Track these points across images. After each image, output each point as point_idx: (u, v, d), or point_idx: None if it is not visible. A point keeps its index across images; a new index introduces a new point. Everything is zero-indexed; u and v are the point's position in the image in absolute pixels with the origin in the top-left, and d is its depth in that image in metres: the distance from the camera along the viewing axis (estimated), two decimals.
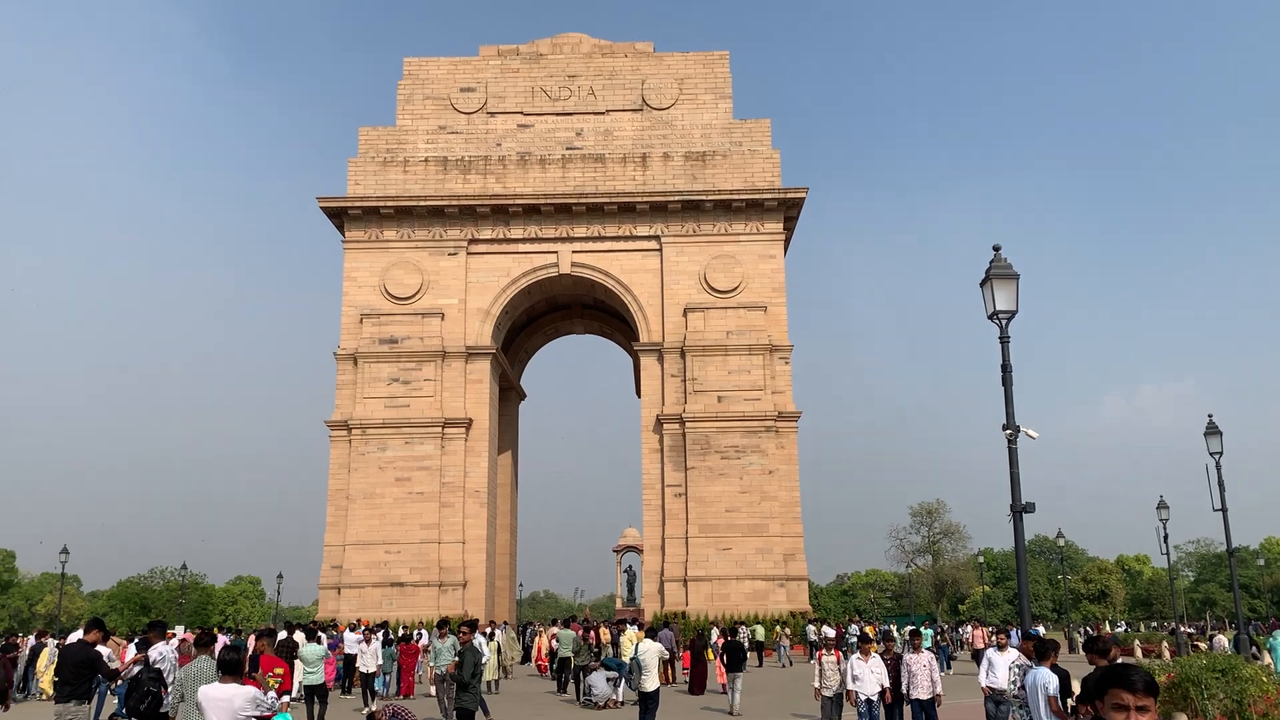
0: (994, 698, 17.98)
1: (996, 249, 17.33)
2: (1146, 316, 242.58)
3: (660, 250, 56.65)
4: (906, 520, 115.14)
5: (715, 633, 37.81)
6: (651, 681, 21.63)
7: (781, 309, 55.97)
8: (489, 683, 32.23)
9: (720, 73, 59.89)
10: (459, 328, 55.69)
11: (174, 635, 25.41)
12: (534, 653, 44.18)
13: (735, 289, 55.77)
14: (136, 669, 16.89)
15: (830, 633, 45.51)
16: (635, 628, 36.35)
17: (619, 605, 74.86)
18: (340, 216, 56.71)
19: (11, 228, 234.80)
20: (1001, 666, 18.11)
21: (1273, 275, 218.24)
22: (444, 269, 56.29)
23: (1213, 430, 31.48)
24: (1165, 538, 47.30)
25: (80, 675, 15.18)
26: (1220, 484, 31.47)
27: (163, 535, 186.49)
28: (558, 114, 59.02)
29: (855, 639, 48.58)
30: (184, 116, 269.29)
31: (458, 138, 58.61)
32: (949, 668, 41.02)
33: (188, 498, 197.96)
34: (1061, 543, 78.94)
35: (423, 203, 55.93)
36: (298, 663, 23.92)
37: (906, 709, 18.66)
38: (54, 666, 28.81)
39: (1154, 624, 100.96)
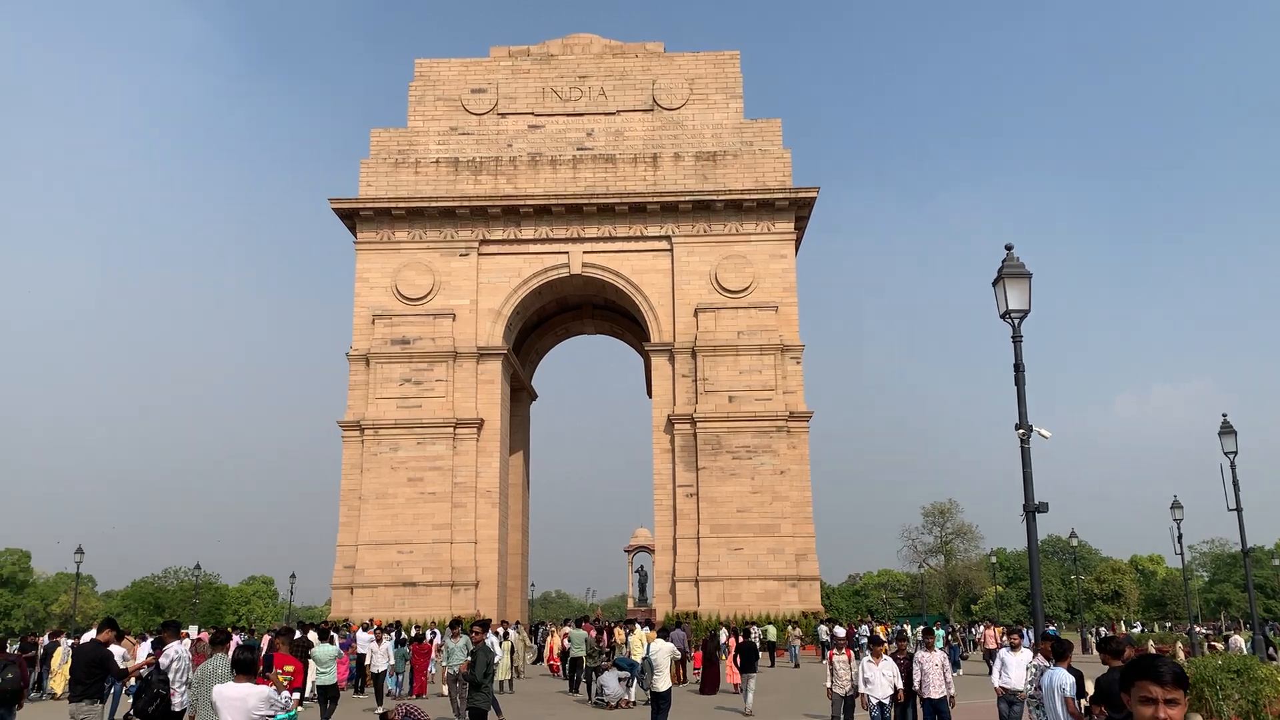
0: (1007, 698, 17.92)
1: (1009, 248, 17.26)
2: (1160, 315, 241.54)
3: (671, 250, 56.65)
4: (919, 520, 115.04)
5: (724, 633, 37.74)
6: (663, 681, 21.66)
7: (793, 309, 55.90)
8: (501, 682, 32.33)
9: (731, 73, 59.87)
10: (470, 328, 55.81)
11: (187, 635, 25.55)
12: (546, 652, 44.24)
13: (746, 289, 55.73)
14: (147, 670, 17.01)
15: (841, 632, 45.47)
16: (647, 628, 36.39)
17: (630, 605, 74.90)
18: (352, 218, 56.92)
19: (23, 228, 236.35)
20: (1014, 666, 18.06)
21: None
22: (455, 270, 56.42)
23: (1227, 430, 31.31)
24: (1179, 538, 47.09)
25: (92, 674, 15.28)
26: (1235, 484, 31.29)
27: (176, 536, 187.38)
28: (568, 114, 59.09)
29: (866, 639, 48.64)
30: (196, 118, 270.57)
31: (469, 139, 58.73)
32: (958, 668, 40.90)
33: (201, 498, 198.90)
34: (1075, 543, 78.69)
35: (434, 204, 56.07)
36: (310, 663, 24.01)
37: (919, 709, 18.59)
38: (67, 666, 29.05)
39: (1168, 624, 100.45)
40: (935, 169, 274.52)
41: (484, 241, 56.85)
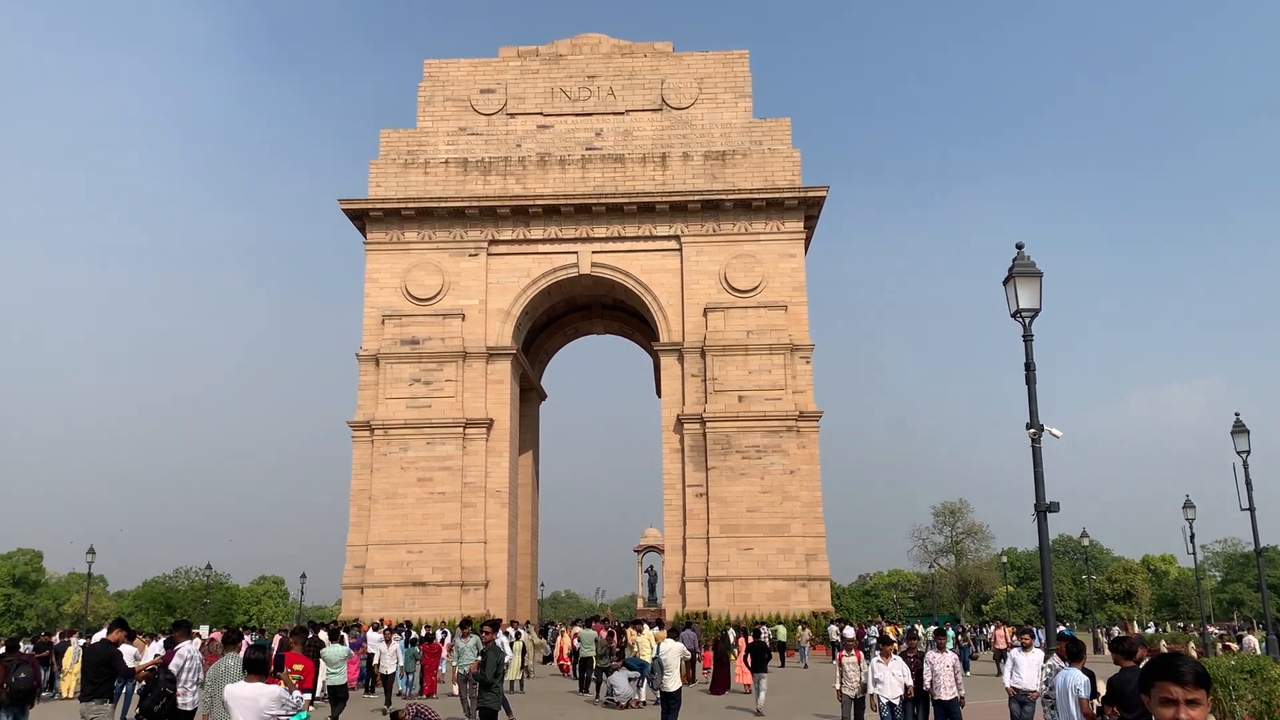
0: (1019, 698, 17.86)
1: (1019, 246, 17.21)
2: (1172, 314, 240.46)
3: (680, 250, 56.61)
4: (929, 520, 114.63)
5: (733, 633, 37.70)
6: (673, 681, 21.61)
7: (802, 308, 55.81)
8: (512, 682, 32.36)
9: (740, 72, 59.79)
10: (479, 328, 55.86)
11: (198, 635, 25.62)
12: (556, 652, 44.25)
13: (755, 288, 55.66)
14: (154, 669, 17.07)
15: (851, 633, 45.33)
16: (657, 628, 36.36)
17: (640, 605, 74.85)
18: (362, 218, 57.04)
19: (31, 228, 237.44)
20: (1026, 667, 17.99)
21: None
22: (464, 270, 56.48)
23: (1240, 429, 31.13)
24: (1192, 537, 46.87)
25: (101, 674, 15.34)
26: (1248, 483, 31.12)
27: (188, 536, 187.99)
28: (577, 114, 59.10)
29: (875, 640, 48.49)
30: (205, 118, 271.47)
31: (478, 139, 58.79)
32: (968, 668, 40.78)
33: (212, 498, 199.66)
34: (1086, 542, 78.28)
35: (443, 204, 56.15)
36: (321, 663, 24.05)
37: (930, 710, 18.49)
38: (78, 666, 29.16)
39: (1179, 624, 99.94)
40: (945, 167, 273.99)
41: (493, 242, 56.90)
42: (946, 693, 17.79)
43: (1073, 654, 13.05)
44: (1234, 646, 39.74)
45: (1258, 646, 38.08)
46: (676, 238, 56.62)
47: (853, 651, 19.91)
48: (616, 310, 65.88)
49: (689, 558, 52.90)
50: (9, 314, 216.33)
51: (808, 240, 58.17)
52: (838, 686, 19.49)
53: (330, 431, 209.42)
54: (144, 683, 15.80)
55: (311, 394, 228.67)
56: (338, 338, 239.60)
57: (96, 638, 20.90)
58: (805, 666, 44.00)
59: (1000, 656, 38.16)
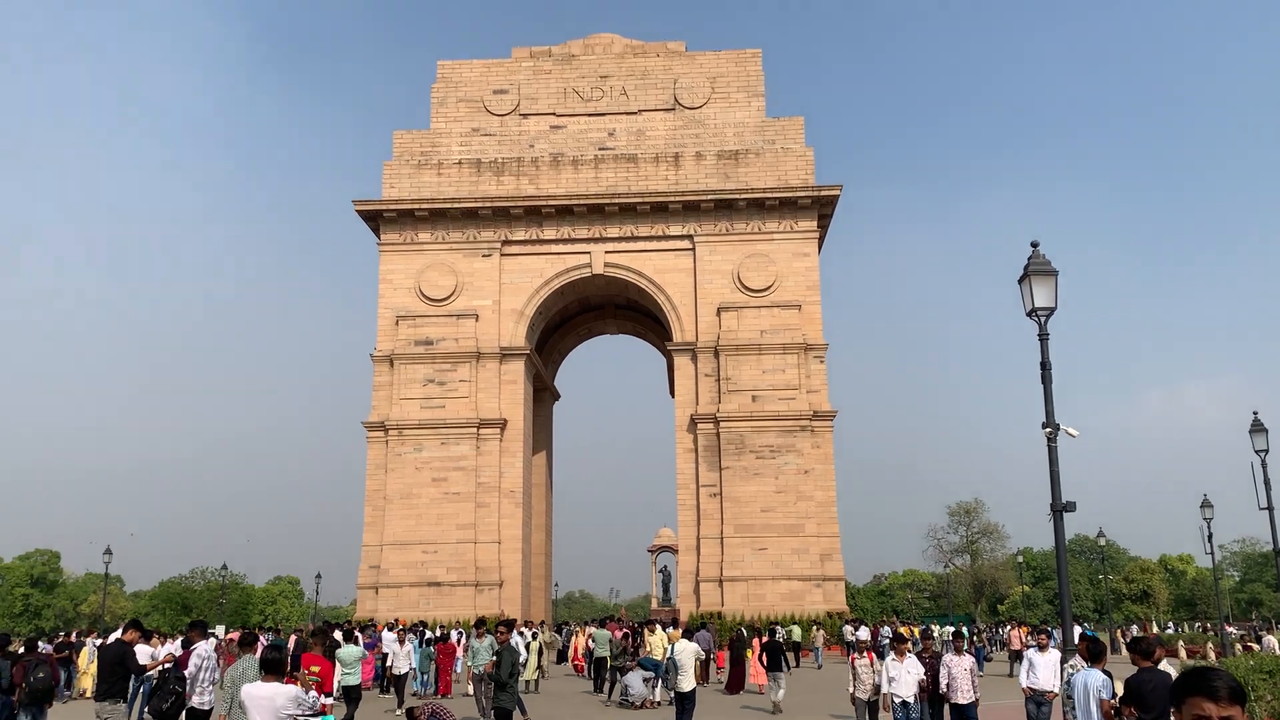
0: (1035, 698, 17.76)
1: (1035, 245, 17.13)
2: (1191, 311, 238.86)
3: (693, 249, 56.57)
4: (944, 520, 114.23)
5: (744, 634, 37.65)
6: (688, 682, 21.60)
7: (816, 307, 55.69)
8: (527, 682, 32.40)
9: (753, 71, 59.69)
10: (493, 329, 55.96)
11: (214, 635, 25.76)
12: (571, 653, 44.27)
13: (769, 288, 55.56)
14: (165, 668, 17.18)
15: (865, 634, 45.16)
16: (672, 628, 36.34)
17: (654, 605, 74.93)
18: (376, 219, 57.22)
19: (44, 230, 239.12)
20: (1042, 667, 17.89)
21: None
22: (478, 270, 56.59)
23: (1258, 427, 30.88)
24: (1210, 537, 46.48)
25: (114, 672, 15.44)
26: (1266, 482, 30.85)
27: (204, 536, 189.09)
28: (590, 114, 59.12)
29: (888, 640, 48.31)
30: (219, 120, 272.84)
31: (491, 139, 58.89)
32: (982, 669, 40.64)
33: (228, 499, 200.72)
34: (1103, 542, 77.85)
35: (456, 205, 56.27)
36: (335, 664, 24.13)
37: (946, 711, 18.21)
38: (94, 665, 29.33)
39: (1197, 625, 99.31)
40: (959, 165, 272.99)
41: (506, 242, 56.98)
42: (964, 696, 17.53)
43: (1093, 654, 12.98)
44: (1255, 647, 39.47)
45: (1277, 647, 37.77)
46: (690, 237, 56.58)
47: (865, 653, 19.66)
48: (630, 310, 65.90)
49: (703, 558, 52.85)
50: (25, 315, 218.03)
51: (821, 239, 58.04)
52: (851, 690, 19.24)
53: (345, 432, 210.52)
54: (153, 681, 15.90)
55: (327, 395, 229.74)
56: (353, 339, 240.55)
57: (112, 638, 21.04)
58: (819, 667, 43.92)
59: (1015, 657, 38.04)
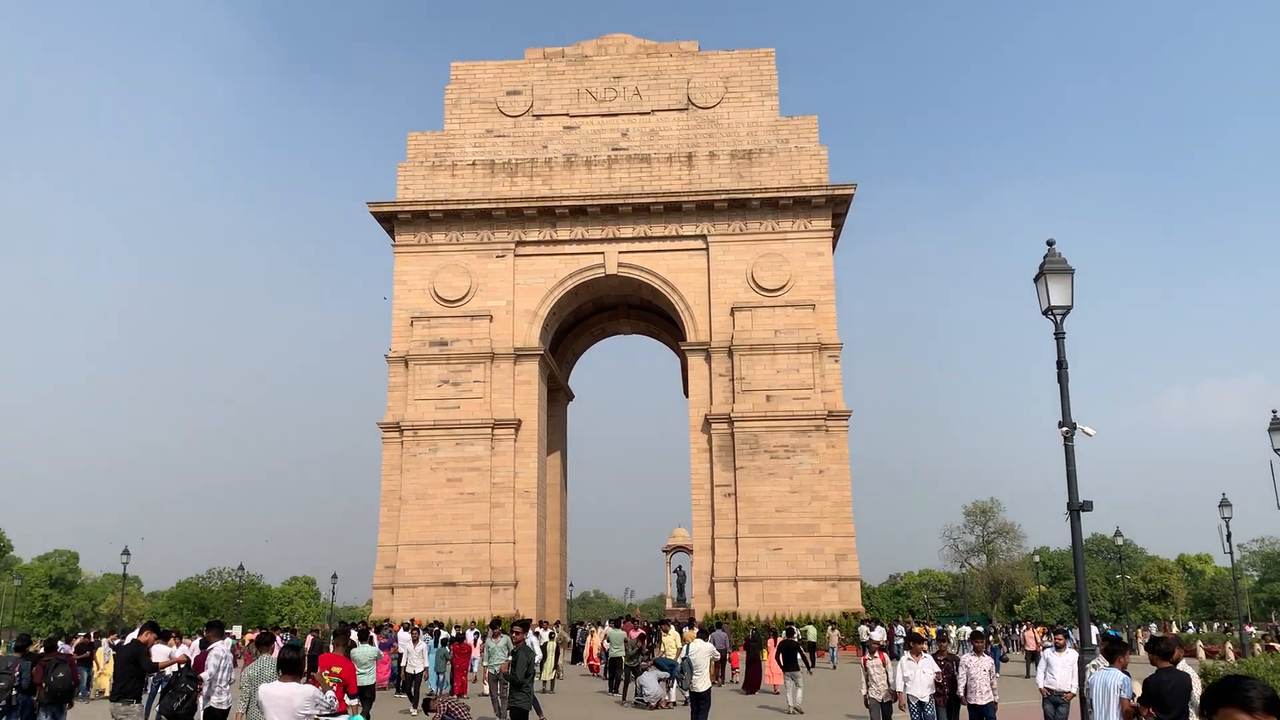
0: (1052, 699, 17.66)
1: (1051, 243, 17.06)
2: (1210, 310, 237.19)
3: (707, 249, 56.53)
4: (960, 519, 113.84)
5: (750, 634, 37.63)
6: (703, 682, 21.59)
7: (830, 307, 55.56)
8: (546, 682, 32.45)
9: (766, 70, 59.61)
10: (507, 329, 56.07)
11: (231, 635, 25.88)
12: (586, 653, 44.30)
13: (783, 287, 55.47)
14: (176, 668, 17.28)
15: (878, 635, 45.00)
16: (688, 628, 36.32)
17: (669, 605, 74.91)
18: (390, 221, 57.41)
19: (57, 233, 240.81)
20: (1059, 667, 17.79)
21: None
22: (492, 271, 56.72)
23: (1277, 426, 30.64)
24: (1229, 536, 46.12)
25: (129, 672, 15.55)
26: None
27: (220, 537, 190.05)
28: (603, 115, 59.16)
29: (902, 639, 48.07)
30: (231, 123, 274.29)
31: (504, 141, 58.99)
32: (998, 669, 40.45)
33: (244, 500, 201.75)
34: (1120, 541, 77.48)
35: (471, 206, 56.41)
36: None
37: (963, 712, 17.96)
38: (109, 665, 29.49)
39: (1215, 624, 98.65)
40: (974, 163, 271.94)
41: (520, 243, 57.08)
42: (982, 697, 17.28)
43: (1109, 653, 12.93)
44: (1276, 647, 39.12)
45: None
46: (703, 237, 56.55)
47: (877, 654, 19.50)
48: (643, 310, 65.91)
49: (718, 558, 52.81)
50: (44, 318, 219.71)
51: (835, 238, 57.91)
52: (864, 691, 19.07)
53: (361, 433, 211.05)
54: (165, 681, 15.98)
55: (343, 396, 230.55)
56: (368, 340, 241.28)
57: (129, 639, 21.19)
58: (834, 667, 43.83)
59: (1031, 658, 37.83)
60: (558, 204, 56.32)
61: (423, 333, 55.80)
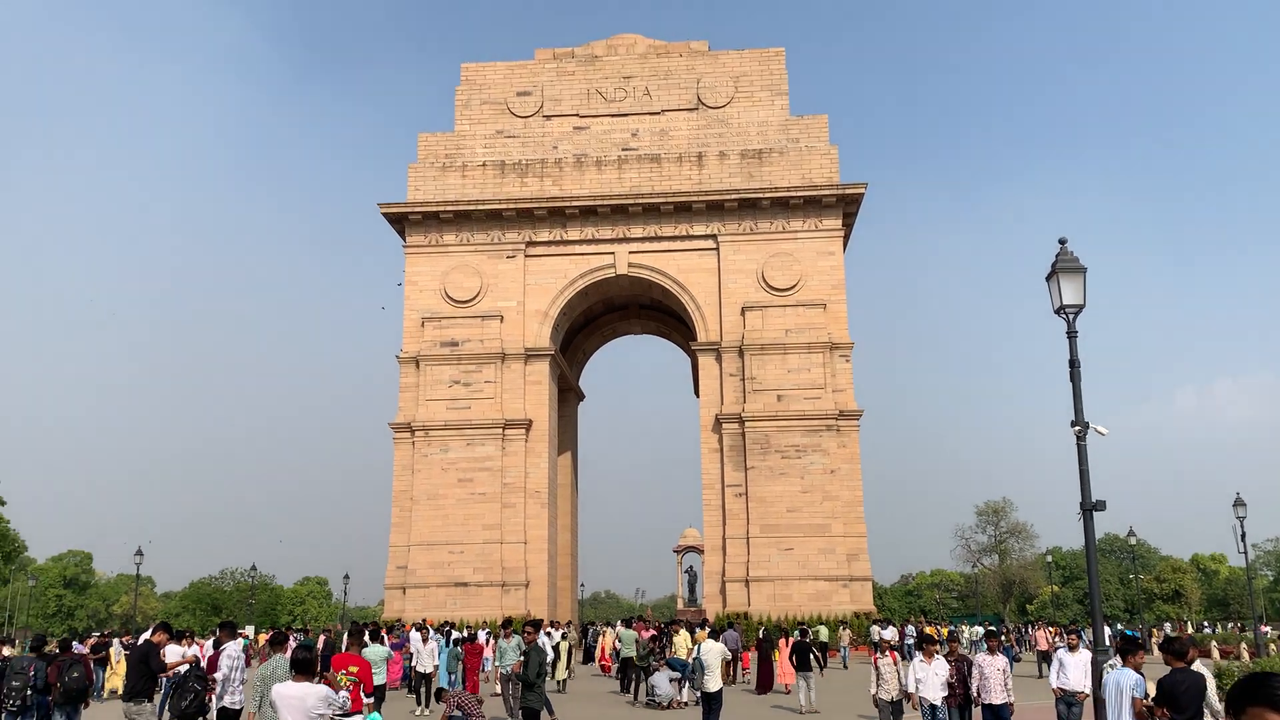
0: (1066, 699, 17.59)
1: (1063, 241, 17.02)
2: (1222, 308, 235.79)
3: (717, 249, 56.50)
4: (972, 519, 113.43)
5: (761, 634, 37.57)
6: (714, 682, 21.60)
7: (841, 306, 55.47)
8: (560, 682, 32.49)
9: (776, 69, 59.55)
10: (518, 330, 56.16)
11: (245, 635, 25.98)
12: (598, 653, 44.36)
13: (794, 287, 55.41)
14: (185, 668, 17.35)
15: (889, 635, 44.90)
16: (700, 628, 36.30)
17: (680, 605, 74.84)
18: (401, 222, 57.57)
19: (77, 234, 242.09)
20: (1073, 667, 17.71)
21: None
22: (502, 272, 56.82)
23: None
24: (1242, 536, 45.88)
25: (140, 671, 15.64)
26: None
27: (233, 537, 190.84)
28: (613, 115, 59.19)
29: (913, 640, 47.94)
30: (245, 124, 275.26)
31: (515, 141, 59.08)
32: (1011, 669, 40.29)
33: (257, 500, 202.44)
34: (1133, 541, 77.06)
35: (481, 207, 56.51)
36: None
37: (976, 712, 17.74)
38: (121, 665, 29.63)
39: (1229, 624, 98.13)
40: (985, 162, 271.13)
41: (530, 243, 57.16)
42: (997, 696, 17.04)
43: (1121, 651, 12.87)
44: None
45: None
46: (714, 237, 56.53)
47: (888, 653, 19.41)
48: (654, 310, 65.92)
49: (729, 558, 52.78)
50: (57, 320, 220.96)
51: (846, 237, 57.82)
52: (873, 690, 18.97)
53: (372, 433, 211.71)
54: (173, 681, 16.05)
55: (354, 397, 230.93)
56: (379, 340, 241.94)
57: (142, 639, 21.32)
58: (845, 667, 43.78)
59: (1043, 658, 37.68)
60: (568, 204, 56.38)
61: (434, 333, 55.93)
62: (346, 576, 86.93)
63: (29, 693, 17.81)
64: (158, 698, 20.94)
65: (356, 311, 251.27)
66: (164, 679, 20.11)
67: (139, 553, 61.75)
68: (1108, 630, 23.24)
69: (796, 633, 36.07)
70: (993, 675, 17.23)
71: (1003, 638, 45.91)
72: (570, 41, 62.41)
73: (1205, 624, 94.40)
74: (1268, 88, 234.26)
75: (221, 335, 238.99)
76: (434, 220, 57.05)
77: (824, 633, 46.48)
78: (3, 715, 18.24)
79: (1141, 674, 12.62)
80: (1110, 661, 14.62)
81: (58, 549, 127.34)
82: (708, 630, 28.66)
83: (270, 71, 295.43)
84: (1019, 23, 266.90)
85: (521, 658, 18.79)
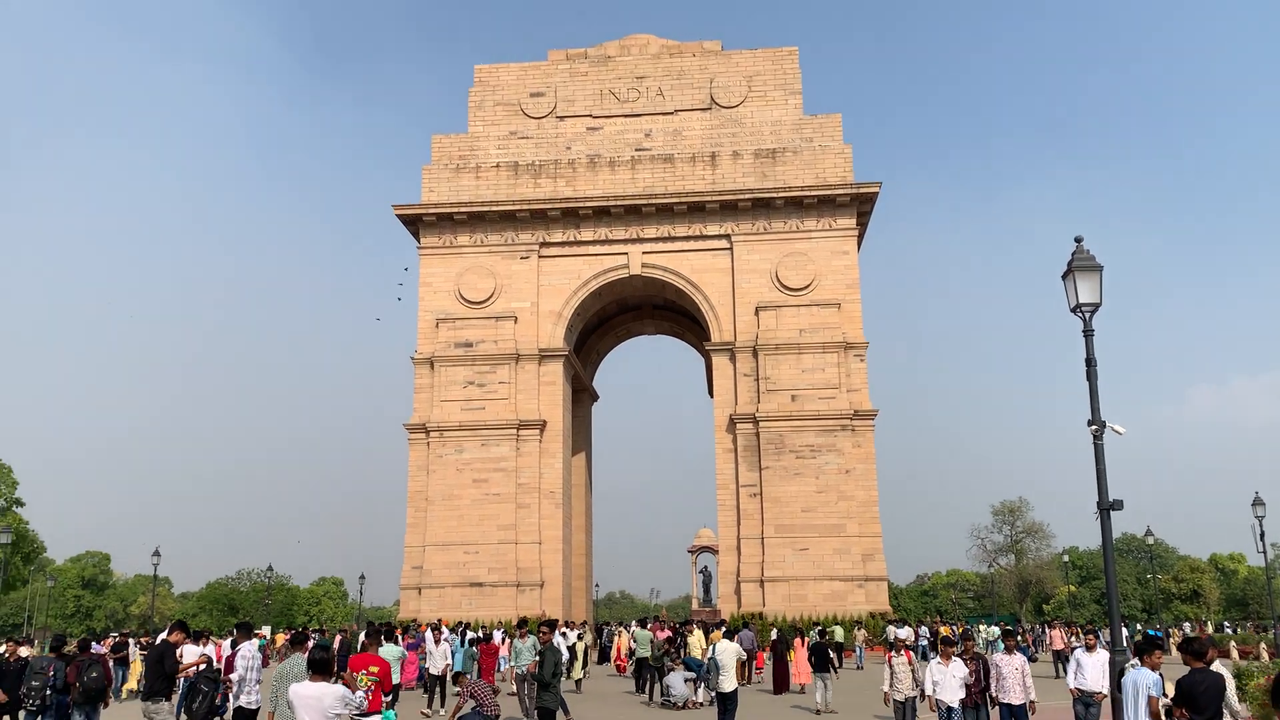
0: (1083, 699, 17.48)
1: (1079, 240, 16.93)
2: (1239, 306, 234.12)
3: (731, 249, 56.44)
4: (988, 519, 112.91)
5: (776, 634, 37.51)
6: (729, 682, 21.58)
7: (856, 306, 55.30)
8: (576, 681, 32.51)
9: (789, 69, 59.44)
10: (532, 330, 56.23)
11: (261, 635, 26.10)
12: (613, 653, 44.37)
13: (807, 286, 55.29)
14: (200, 668, 17.43)
15: (903, 634, 44.71)
16: (715, 629, 36.27)
17: (695, 606, 74.75)
18: (415, 223, 57.73)
19: (94, 237, 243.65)
20: (1090, 668, 17.60)
21: None
22: (516, 273, 56.91)
23: None
24: (1262, 535, 45.55)
25: (156, 671, 15.73)
26: None
27: (250, 538, 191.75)
28: (626, 115, 59.20)
29: (927, 640, 47.76)
30: (259, 127, 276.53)
31: (528, 142, 59.16)
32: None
33: (273, 501, 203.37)
34: (1151, 541, 76.58)
35: (495, 208, 56.62)
36: None
37: (994, 712, 17.45)
38: (138, 664, 29.79)
39: (1248, 624, 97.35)
40: (1000, 161, 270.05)
41: (544, 244, 57.23)
42: (1015, 696, 16.81)
43: (1138, 650, 12.80)
44: None
45: None
46: (727, 237, 56.46)
47: (903, 653, 19.25)
48: (667, 310, 65.89)
49: (744, 558, 52.70)
50: (74, 321, 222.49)
51: (860, 237, 57.65)
52: (886, 689, 18.79)
53: (388, 434, 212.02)
54: (188, 681, 16.12)
55: (369, 397, 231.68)
56: (394, 341, 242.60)
57: (159, 639, 21.46)
58: (860, 667, 43.66)
59: (1059, 658, 37.44)
60: (581, 205, 56.42)
61: (448, 334, 56.05)
62: (362, 577, 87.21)
63: (48, 692, 17.95)
64: (176, 697, 21.05)
65: (371, 313, 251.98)
66: (181, 679, 20.22)
67: (156, 553, 62.09)
68: (1125, 630, 23.11)
69: (815, 633, 36.01)
70: (1010, 675, 16.99)
71: (1019, 638, 45.83)
72: (583, 42, 62.42)
73: (1225, 624, 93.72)
74: None
75: (237, 337, 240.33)
76: (448, 221, 57.19)
77: (839, 633, 46.38)
78: (22, 715, 18.39)
79: (1160, 674, 12.55)
80: (1130, 661, 14.53)
81: (76, 550, 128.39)
82: (723, 630, 28.63)
83: (284, 74, 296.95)
84: (1032, 21, 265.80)
85: (537, 658, 18.80)
